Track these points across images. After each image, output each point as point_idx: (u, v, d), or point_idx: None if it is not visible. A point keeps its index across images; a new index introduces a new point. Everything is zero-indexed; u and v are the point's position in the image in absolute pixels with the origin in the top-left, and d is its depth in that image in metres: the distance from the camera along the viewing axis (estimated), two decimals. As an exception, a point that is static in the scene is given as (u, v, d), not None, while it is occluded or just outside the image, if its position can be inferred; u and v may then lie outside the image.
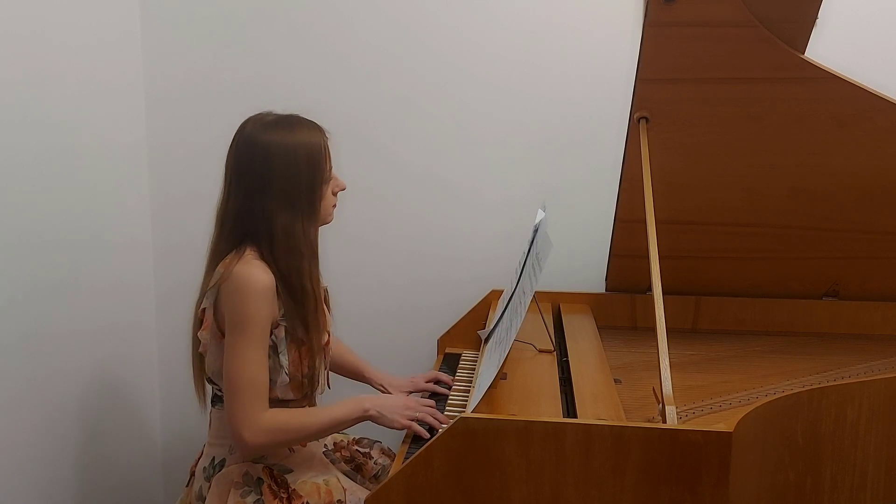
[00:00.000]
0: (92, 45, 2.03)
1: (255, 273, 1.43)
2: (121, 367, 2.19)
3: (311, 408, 1.60)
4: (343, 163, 2.28)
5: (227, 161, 1.51)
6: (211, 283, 1.49)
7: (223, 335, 1.47)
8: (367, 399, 1.54)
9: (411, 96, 2.27)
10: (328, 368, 1.64)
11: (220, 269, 1.48)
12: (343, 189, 1.60)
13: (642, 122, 1.78)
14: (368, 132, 2.29)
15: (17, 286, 1.76)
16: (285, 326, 1.48)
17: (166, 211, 2.33)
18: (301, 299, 1.48)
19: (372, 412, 1.51)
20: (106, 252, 2.10)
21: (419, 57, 2.25)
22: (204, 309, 1.52)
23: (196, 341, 1.56)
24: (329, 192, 1.56)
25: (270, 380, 1.48)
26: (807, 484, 1.50)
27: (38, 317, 1.83)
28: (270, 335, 1.47)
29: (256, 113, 1.53)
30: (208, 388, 1.61)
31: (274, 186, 1.45)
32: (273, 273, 1.46)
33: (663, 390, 1.35)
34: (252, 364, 1.43)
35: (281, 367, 1.48)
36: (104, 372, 2.10)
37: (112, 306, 2.13)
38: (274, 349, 1.48)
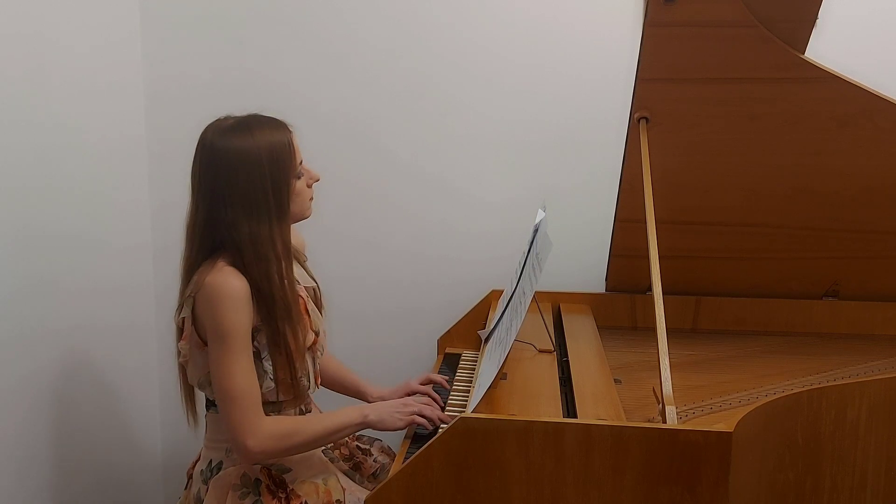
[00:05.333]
0: (92, 44, 2.03)
1: (228, 281, 1.41)
2: (120, 369, 2.19)
3: (312, 415, 1.60)
4: (343, 163, 2.31)
5: (192, 171, 1.47)
6: (187, 294, 1.47)
7: (204, 343, 1.46)
8: (366, 406, 1.55)
9: (411, 96, 2.27)
10: (317, 368, 1.62)
11: (195, 278, 1.46)
12: (317, 180, 1.56)
13: (642, 122, 1.78)
14: (368, 131, 2.29)
15: (15, 285, 1.75)
16: (265, 331, 1.46)
17: (166, 211, 2.33)
18: (272, 306, 1.45)
19: (371, 418, 1.51)
20: (105, 252, 2.10)
21: (419, 56, 2.25)
22: (184, 319, 1.49)
23: (179, 352, 1.53)
24: (302, 186, 1.52)
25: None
26: (807, 484, 1.50)
27: (35, 317, 1.83)
28: (253, 341, 1.45)
29: (215, 119, 1.50)
30: (199, 395, 1.60)
31: (238, 194, 1.42)
32: (247, 279, 1.43)
33: (663, 390, 1.35)
34: (241, 374, 1.42)
35: (265, 372, 1.47)
36: (103, 374, 2.10)
37: (111, 307, 2.13)
38: (258, 355, 1.47)
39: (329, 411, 1.56)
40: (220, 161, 1.43)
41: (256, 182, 1.42)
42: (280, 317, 1.46)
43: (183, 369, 1.56)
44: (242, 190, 1.42)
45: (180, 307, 1.50)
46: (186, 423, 1.61)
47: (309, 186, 1.55)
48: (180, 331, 1.52)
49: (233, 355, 1.41)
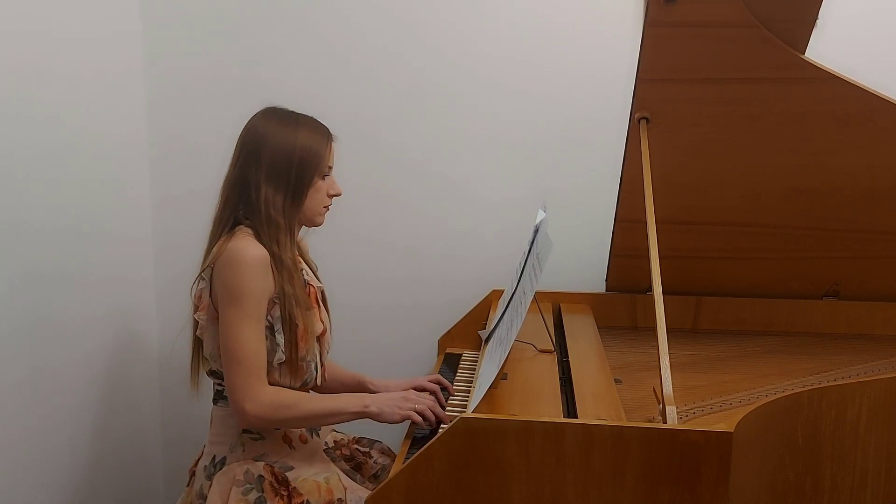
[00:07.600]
0: (93, 41, 2.03)
1: (247, 247, 1.49)
2: (121, 364, 2.19)
3: (313, 394, 1.62)
4: (344, 162, 2.27)
5: (236, 143, 1.59)
6: (206, 263, 1.54)
7: (218, 312, 1.50)
8: (367, 396, 1.56)
9: (412, 95, 2.27)
10: (325, 363, 1.65)
11: (214, 250, 1.52)
12: (338, 195, 1.65)
13: (642, 122, 1.78)
14: (369, 131, 2.29)
15: (18, 279, 1.76)
16: (279, 305, 1.51)
17: (166, 206, 2.34)
18: (286, 274, 1.52)
19: (372, 408, 1.52)
20: (107, 247, 2.10)
21: (420, 56, 2.25)
22: (201, 290, 1.54)
23: (195, 324, 1.58)
24: (323, 188, 1.60)
25: (268, 361, 1.51)
26: (807, 484, 1.50)
27: (37, 312, 1.83)
28: (267, 315, 1.50)
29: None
30: (207, 381, 1.63)
31: (267, 159, 1.53)
32: (266, 249, 1.51)
33: (663, 390, 1.35)
34: (249, 336, 1.47)
35: (277, 345, 1.51)
36: (103, 368, 2.10)
37: (112, 302, 2.13)
38: (270, 329, 1.51)
39: (331, 394, 1.57)
40: (261, 131, 1.56)
41: (285, 154, 1.54)
42: (297, 285, 1.53)
43: (199, 342, 1.59)
44: (271, 157, 1.54)
45: (198, 280, 1.55)
46: (190, 415, 1.62)
47: (329, 196, 1.63)
48: (195, 307, 1.56)
49: (244, 318, 1.47)
